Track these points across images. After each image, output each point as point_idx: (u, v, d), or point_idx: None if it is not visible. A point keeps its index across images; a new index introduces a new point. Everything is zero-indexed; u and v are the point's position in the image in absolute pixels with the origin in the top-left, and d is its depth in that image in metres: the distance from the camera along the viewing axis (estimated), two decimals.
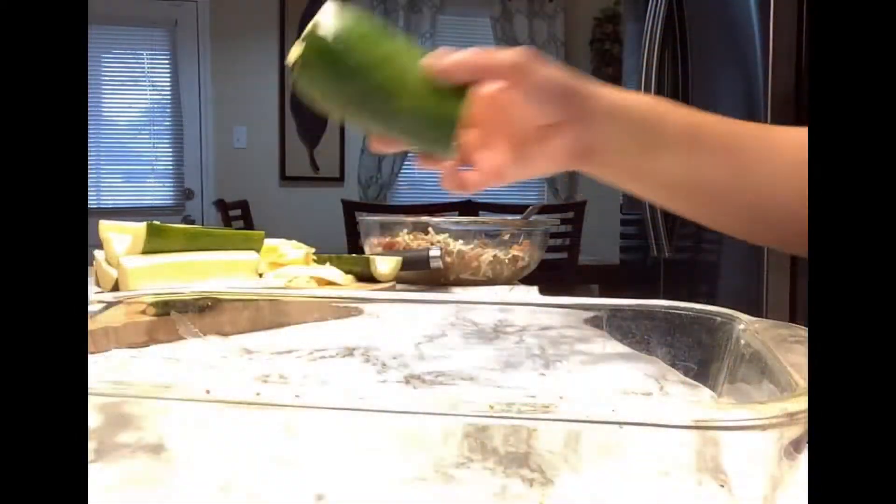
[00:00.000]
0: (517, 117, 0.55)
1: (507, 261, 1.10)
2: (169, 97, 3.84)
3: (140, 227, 0.81)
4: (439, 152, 0.54)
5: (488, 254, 1.09)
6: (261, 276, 0.89)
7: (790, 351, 0.33)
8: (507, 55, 0.53)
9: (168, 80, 3.83)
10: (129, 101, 3.84)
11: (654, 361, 0.46)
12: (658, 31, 1.80)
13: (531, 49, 0.54)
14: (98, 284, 0.91)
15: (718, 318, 0.43)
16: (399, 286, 1.00)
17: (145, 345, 0.60)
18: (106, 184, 3.83)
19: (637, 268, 2.19)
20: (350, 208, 2.71)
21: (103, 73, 3.76)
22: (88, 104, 3.58)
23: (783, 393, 0.30)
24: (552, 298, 0.51)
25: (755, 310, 1.32)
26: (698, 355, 0.44)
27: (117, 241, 0.85)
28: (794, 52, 1.45)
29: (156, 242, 0.81)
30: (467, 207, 2.73)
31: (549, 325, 0.52)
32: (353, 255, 1.02)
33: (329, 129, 3.91)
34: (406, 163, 3.92)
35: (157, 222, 0.82)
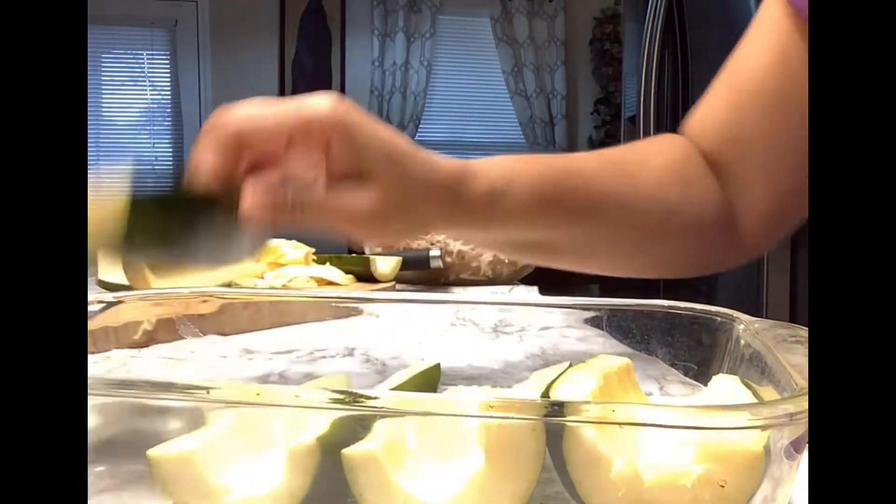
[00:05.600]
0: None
1: (507, 261, 1.10)
2: (169, 97, 3.83)
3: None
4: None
5: (488, 254, 1.09)
6: (261, 276, 0.89)
7: (790, 351, 0.33)
8: (320, 108, 0.41)
9: (168, 80, 3.82)
10: (129, 100, 3.84)
11: (654, 361, 0.46)
12: (658, 31, 1.80)
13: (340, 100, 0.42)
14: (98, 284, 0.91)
15: (718, 318, 0.43)
16: (399, 286, 1.00)
17: (145, 345, 0.60)
18: None
19: None
20: None
21: (103, 73, 3.75)
22: (88, 104, 3.58)
23: (783, 393, 0.30)
24: (552, 298, 0.51)
25: (755, 310, 1.32)
26: (698, 355, 0.44)
27: None
28: None
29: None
30: None
31: (549, 325, 0.52)
32: (353, 255, 1.02)
33: None
34: None
35: None
